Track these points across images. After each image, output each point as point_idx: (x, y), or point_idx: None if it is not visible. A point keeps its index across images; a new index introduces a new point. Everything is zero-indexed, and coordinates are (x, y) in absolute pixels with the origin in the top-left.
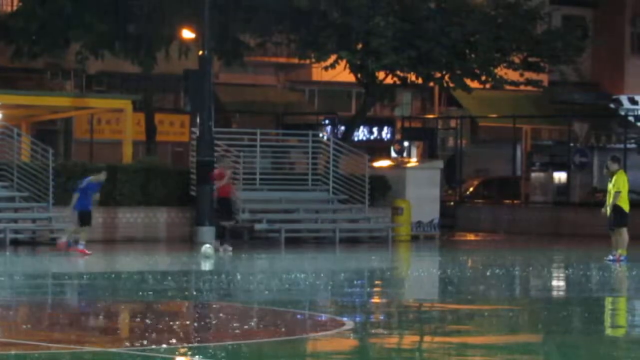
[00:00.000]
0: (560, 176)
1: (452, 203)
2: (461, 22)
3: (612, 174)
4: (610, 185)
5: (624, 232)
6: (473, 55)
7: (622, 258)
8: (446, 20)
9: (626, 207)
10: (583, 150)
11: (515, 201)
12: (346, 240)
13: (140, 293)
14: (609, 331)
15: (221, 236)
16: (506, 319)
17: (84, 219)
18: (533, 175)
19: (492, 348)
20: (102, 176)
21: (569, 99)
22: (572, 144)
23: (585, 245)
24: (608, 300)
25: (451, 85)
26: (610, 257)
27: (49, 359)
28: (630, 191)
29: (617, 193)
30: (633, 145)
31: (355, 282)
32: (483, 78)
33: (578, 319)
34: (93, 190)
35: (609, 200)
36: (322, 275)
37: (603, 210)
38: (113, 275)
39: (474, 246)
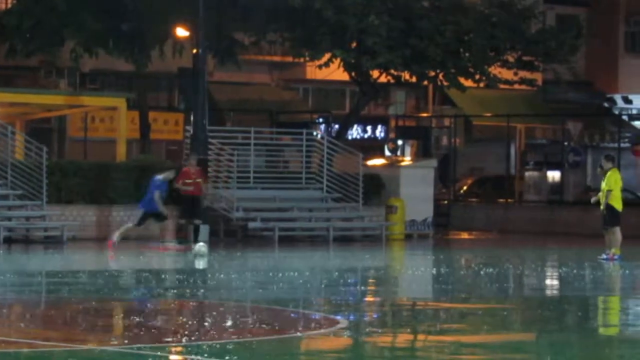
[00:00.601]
0: (554, 175)
1: (446, 202)
2: (455, 20)
3: (605, 173)
4: (603, 184)
5: (617, 231)
6: (467, 54)
7: (615, 257)
8: (440, 19)
9: (618, 206)
10: (577, 149)
11: (509, 200)
12: (340, 239)
13: (132, 291)
14: (602, 330)
15: (179, 230)
16: (500, 318)
17: (159, 217)
18: (527, 174)
19: (486, 347)
20: (170, 174)
21: (563, 98)
22: (566, 143)
23: (579, 244)
24: (601, 300)
25: (445, 83)
26: (604, 256)
27: (26, 357)
28: (624, 190)
29: (609, 192)
30: (627, 145)
31: (349, 280)
32: (477, 77)
33: (571, 318)
34: (161, 188)
35: (602, 199)
36: (315, 273)
37: (594, 199)
38: (106, 274)
39: (468, 245)
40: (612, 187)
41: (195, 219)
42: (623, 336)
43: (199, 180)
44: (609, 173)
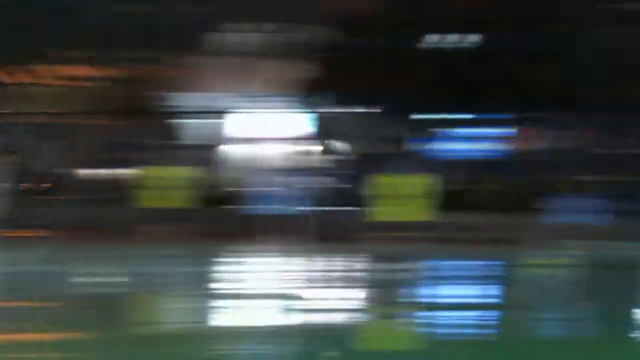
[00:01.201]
0: (112, 172)
1: (16, 199)
2: None
3: None
4: None
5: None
6: (15, 49)
7: None
8: None
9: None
10: (125, 146)
11: (70, 197)
12: None
13: None
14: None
15: None
16: (39, 316)
17: None
18: (89, 171)
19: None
20: None
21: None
22: (121, 141)
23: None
24: (144, 298)
25: None
26: None
27: None
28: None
29: None
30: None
31: None
32: (26, 72)
33: (116, 316)
34: None
35: None
36: None
37: None
38: None
39: (28, 243)
40: None
41: None
42: (164, 333)
43: None
44: None
